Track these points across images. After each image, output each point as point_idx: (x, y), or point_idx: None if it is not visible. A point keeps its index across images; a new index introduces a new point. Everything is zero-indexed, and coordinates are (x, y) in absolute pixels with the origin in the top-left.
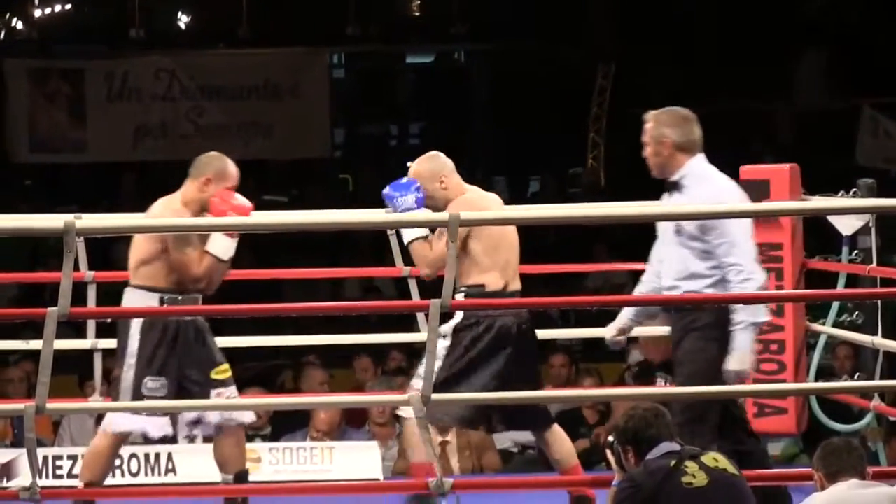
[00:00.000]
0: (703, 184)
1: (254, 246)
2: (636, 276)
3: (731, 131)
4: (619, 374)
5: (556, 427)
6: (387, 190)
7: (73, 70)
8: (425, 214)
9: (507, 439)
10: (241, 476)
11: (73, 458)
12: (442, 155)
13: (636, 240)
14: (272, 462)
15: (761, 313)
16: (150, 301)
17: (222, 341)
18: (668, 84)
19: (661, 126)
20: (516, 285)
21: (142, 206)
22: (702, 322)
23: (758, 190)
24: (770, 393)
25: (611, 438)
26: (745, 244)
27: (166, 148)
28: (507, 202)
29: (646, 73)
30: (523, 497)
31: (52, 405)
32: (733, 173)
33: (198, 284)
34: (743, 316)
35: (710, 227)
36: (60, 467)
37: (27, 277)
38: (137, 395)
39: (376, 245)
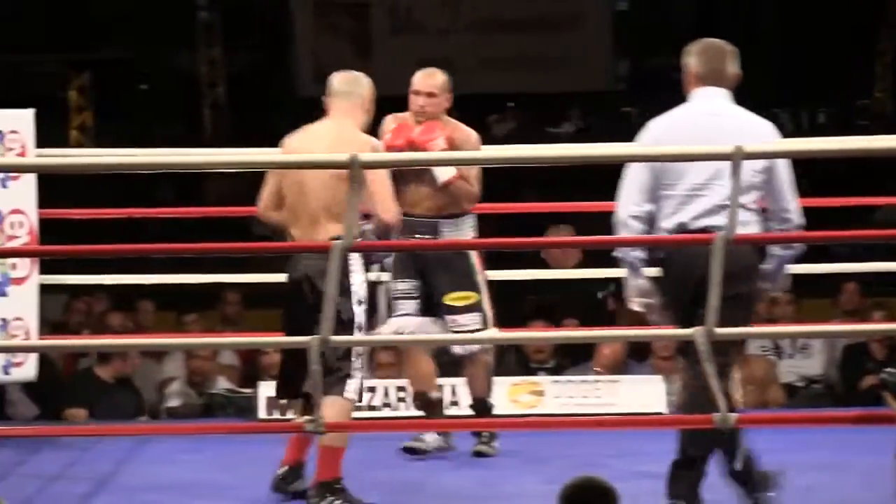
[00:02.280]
0: None
1: (539, 181)
2: None
3: None
4: None
5: None
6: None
7: (358, 4)
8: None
9: (792, 373)
10: (478, 404)
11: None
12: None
13: None
14: (556, 395)
15: None
16: None
17: (496, 274)
18: None
19: None
20: None
21: None
22: None
23: None
24: None
25: (884, 375)
26: None
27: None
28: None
29: None
30: (808, 432)
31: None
32: None
33: None
34: None
35: None
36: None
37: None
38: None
39: None
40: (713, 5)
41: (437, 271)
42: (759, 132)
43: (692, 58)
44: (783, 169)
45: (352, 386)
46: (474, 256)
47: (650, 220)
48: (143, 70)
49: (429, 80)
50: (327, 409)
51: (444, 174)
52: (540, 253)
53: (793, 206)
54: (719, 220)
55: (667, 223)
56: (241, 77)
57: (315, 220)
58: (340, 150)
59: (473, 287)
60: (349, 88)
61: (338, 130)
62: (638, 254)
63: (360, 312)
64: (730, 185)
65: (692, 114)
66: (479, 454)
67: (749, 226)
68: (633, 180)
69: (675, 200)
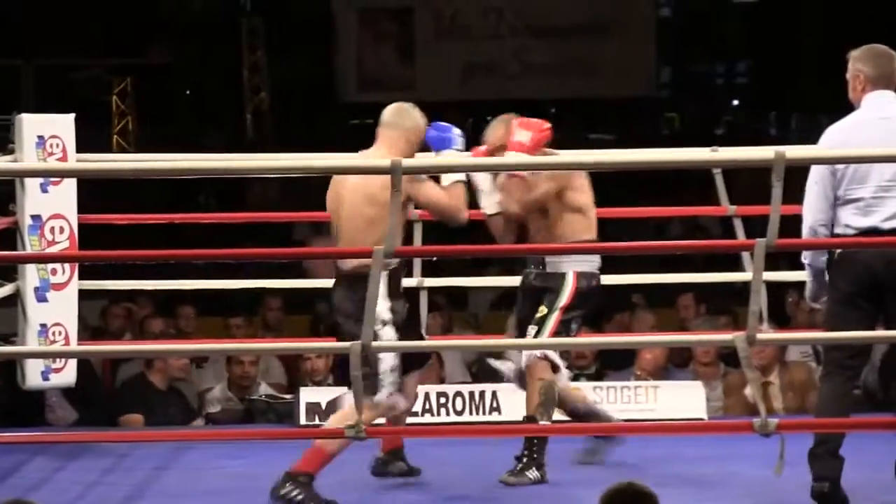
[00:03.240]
0: None
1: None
2: None
3: None
4: None
5: None
6: (433, 133)
7: (402, 9)
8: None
9: None
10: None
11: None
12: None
13: None
14: (597, 401)
15: None
16: None
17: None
18: None
19: None
20: None
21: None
22: None
23: None
24: None
25: None
26: None
27: (494, 87)
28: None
29: None
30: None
31: (389, 345)
32: None
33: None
34: None
35: None
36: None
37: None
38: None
39: (702, 183)
40: (756, 11)
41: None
42: None
43: (862, 63)
44: None
45: (378, 397)
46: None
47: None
48: (186, 75)
49: None
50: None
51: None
52: None
53: None
54: None
55: (851, 226)
56: (284, 83)
57: (349, 242)
58: (368, 183)
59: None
60: (396, 120)
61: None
62: (824, 258)
63: (386, 334)
64: None
65: (867, 119)
66: (504, 482)
67: None
68: (817, 188)
69: (862, 203)
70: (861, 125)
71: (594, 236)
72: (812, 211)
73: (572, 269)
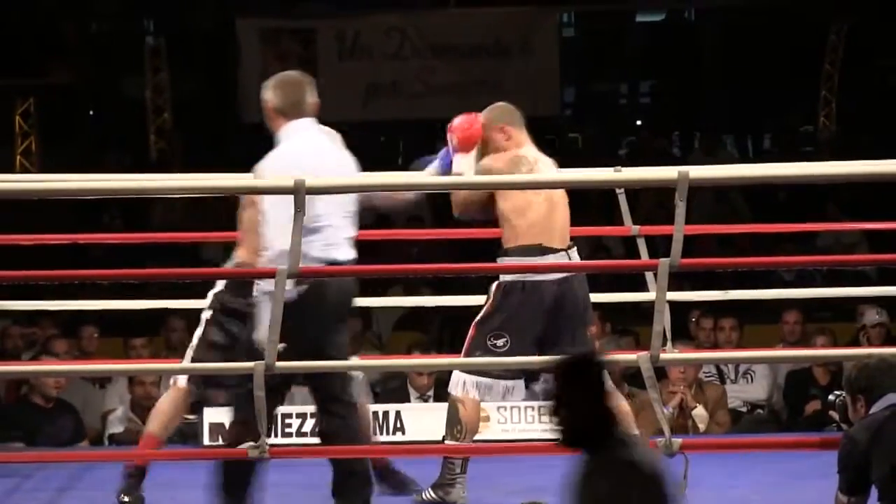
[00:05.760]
0: None
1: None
2: (869, 236)
3: None
4: (853, 334)
5: None
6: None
7: (304, 29)
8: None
9: (736, 398)
10: None
11: (302, 416)
12: (510, 106)
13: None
14: (500, 421)
15: None
16: None
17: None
18: None
19: None
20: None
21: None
22: None
23: None
24: None
25: (832, 397)
26: None
27: (397, 107)
28: (735, 160)
29: (880, 30)
30: (752, 458)
31: (293, 365)
32: None
33: None
34: None
35: None
36: (290, 425)
37: None
38: None
39: (605, 204)
40: (658, 32)
41: None
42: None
43: (272, 93)
44: None
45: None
46: None
47: None
48: (88, 95)
49: None
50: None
51: None
52: None
53: None
54: None
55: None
56: (187, 103)
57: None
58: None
59: None
60: None
61: None
62: None
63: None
64: None
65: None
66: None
67: None
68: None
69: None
70: (306, 155)
71: (528, 243)
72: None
73: (495, 282)
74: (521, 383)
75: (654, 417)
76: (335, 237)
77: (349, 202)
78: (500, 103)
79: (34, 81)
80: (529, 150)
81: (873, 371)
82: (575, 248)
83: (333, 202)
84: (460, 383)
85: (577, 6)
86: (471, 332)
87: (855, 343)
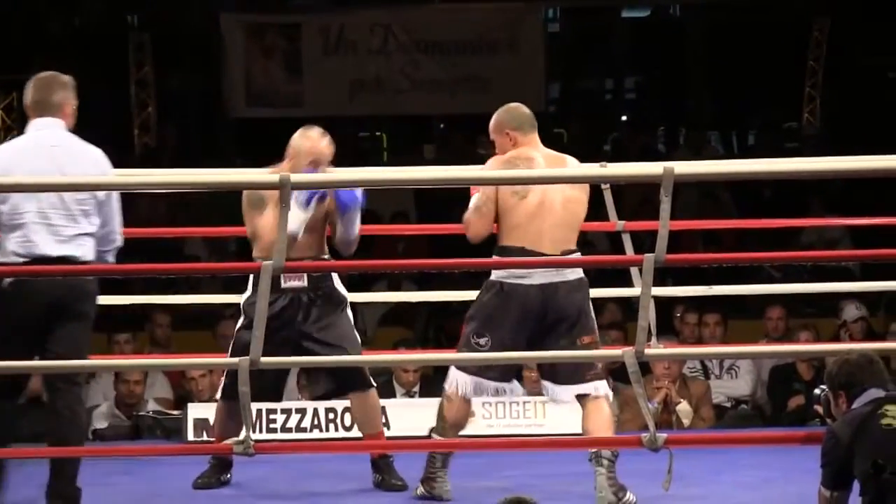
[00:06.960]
0: None
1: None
2: (852, 232)
3: None
4: (834, 330)
5: None
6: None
7: (289, 24)
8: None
9: (720, 394)
10: None
11: (287, 412)
12: (519, 109)
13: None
14: (485, 416)
15: None
16: None
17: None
18: (883, 38)
19: None
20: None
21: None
22: None
23: None
24: None
25: (817, 392)
26: None
27: (382, 102)
28: (719, 156)
29: (862, 27)
30: (736, 452)
31: (277, 360)
32: None
33: None
34: None
35: None
36: (274, 421)
37: None
38: None
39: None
40: (643, 28)
41: None
42: None
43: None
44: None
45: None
46: None
47: None
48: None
49: None
50: None
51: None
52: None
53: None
54: None
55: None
56: (172, 98)
57: None
58: None
59: None
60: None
61: None
62: None
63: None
64: None
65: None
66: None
67: None
68: None
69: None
70: (26, 151)
71: (510, 244)
72: None
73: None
74: (514, 386)
75: (639, 412)
76: (39, 233)
77: (73, 202)
78: (511, 105)
79: (17, 77)
80: (530, 150)
81: (853, 367)
82: (577, 255)
83: (47, 200)
84: (454, 381)
85: (563, 2)
86: (462, 327)
87: (837, 339)
